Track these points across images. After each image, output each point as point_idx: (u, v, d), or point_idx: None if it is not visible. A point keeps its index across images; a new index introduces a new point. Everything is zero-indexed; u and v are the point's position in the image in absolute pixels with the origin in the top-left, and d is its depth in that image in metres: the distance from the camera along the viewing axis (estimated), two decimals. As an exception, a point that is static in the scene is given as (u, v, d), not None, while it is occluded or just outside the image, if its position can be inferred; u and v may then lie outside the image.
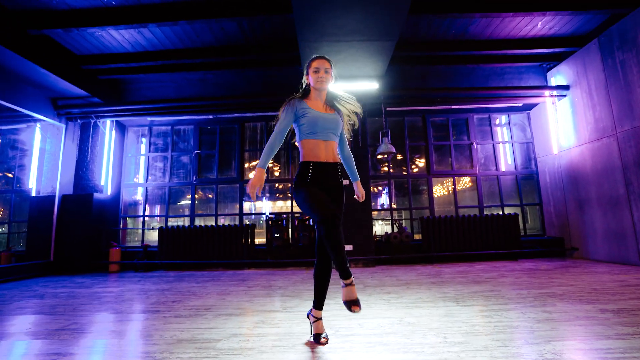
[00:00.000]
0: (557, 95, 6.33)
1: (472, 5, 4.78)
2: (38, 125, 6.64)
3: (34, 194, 6.49)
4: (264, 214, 6.95)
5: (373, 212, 6.70)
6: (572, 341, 1.95)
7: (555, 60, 6.43)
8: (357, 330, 2.31)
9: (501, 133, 7.47)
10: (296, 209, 6.88)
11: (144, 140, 7.59)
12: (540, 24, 5.47)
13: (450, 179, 7.20)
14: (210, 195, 7.33)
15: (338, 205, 2.15)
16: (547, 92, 6.35)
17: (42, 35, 5.13)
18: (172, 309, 3.14)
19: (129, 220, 7.31)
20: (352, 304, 1.76)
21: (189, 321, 2.67)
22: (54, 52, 5.42)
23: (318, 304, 2.14)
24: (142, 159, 7.45)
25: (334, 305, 3.06)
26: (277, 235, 6.19)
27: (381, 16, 4.17)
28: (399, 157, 7.20)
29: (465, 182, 7.64)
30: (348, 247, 5.84)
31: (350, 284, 1.80)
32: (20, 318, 2.95)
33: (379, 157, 6.11)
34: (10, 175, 7.27)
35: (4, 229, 7.21)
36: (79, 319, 2.88)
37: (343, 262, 1.80)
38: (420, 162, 7.43)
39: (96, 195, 6.43)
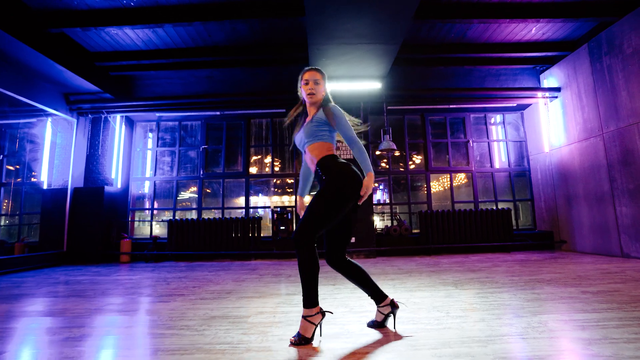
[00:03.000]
0: (549, 97, 6.67)
1: (471, 12, 5.07)
2: (49, 119, 6.83)
3: (45, 186, 6.71)
4: (269, 207, 7.23)
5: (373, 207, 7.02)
6: (555, 314, 2.27)
7: (548, 63, 6.77)
8: (368, 308, 2.61)
9: (496, 132, 7.82)
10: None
11: (150, 135, 7.82)
12: (534, 30, 5.79)
13: (447, 176, 7.54)
14: (208, 190, 7.59)
15: (316, 205, 1.87)
16: (539, 94, 6.69)
17: (60, 33, 5.33)
18: (194, 293, 3.42)
19: (137, 212, 7.55)
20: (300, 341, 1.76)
21: (216, 302, 2.96)
22: (70, 49, 5.62)
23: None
24: (149, 154, 7.68)
25: (343, 289, 3.37)
26: (282, 227, 6.49)
27: (387, 22, 4.45)
28: (397, 153, 7.52)
29: (460, 178, 7.99)
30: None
31: (307, 318, 1.79)
32: (56, 300, 3.22)
33: (379, 153, 6.41)
34: (10, 167, 7.47)
35: (14, 220, 7.42)
36: (112, 300, 3.16)
37: (304, 287, 1.80)
38: (417, 159, 7.75)
39: (107, 188, 6.66)
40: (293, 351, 1.73)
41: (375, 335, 1.98)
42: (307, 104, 2.17)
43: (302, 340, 1.78)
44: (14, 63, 5.38)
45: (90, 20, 4.96)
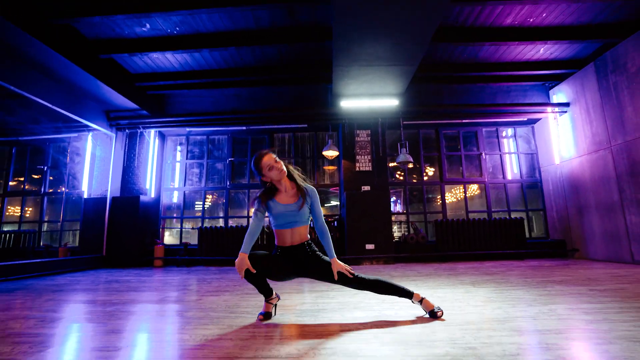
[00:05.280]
0: (559, 112, 7.02)
1: (483, 36, 5.52)
2: (90, 134, 7.44)
3: (86, 196, 7.26)
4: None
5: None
6: (564, 304, 2.62)
7: (556, 79, 7.15)
8: (395, 299, 2.98)
9: (507, 144, 8.16)
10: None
11: (178, 148, 8.36)
12: (542, 50, 6.20)
13: (459, 188, 7.89)
14: (222, 200, 8.05)
15: (314, 272, 2.34)
16: (549, 109, 7.05)
17: (109, 59, 5.94)
18: (237, 290, 3.83)
19: (168, 220, 8.04)
20: None
21: (260, 297, 3.36)
22: (115, 71, 6.23)
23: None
24: (178, 165, 8.22)
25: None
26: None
27: (406, 45, 4.92)
28: (410, 165, 7.89)
29: (473, 189, 8.33)
30: (370, 246, 6.52)
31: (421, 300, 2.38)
32: (120, 293, 3.66)
33: (393, 164, 6.81)
34: (52, 177, 8.07)
35: (56, 226, 7.98)
36: (169, 294, 3.59)
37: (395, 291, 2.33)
38: (430, 171, 8.13)
39: (142, 197, 7.17)
40: (350, 323, 2.12)
41: (409, 317, 2.35)
42: (276, 182, 2.38)
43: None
44: (67, 84, 5.99)
45: (138, 47, 5.55)
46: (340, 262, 2.32)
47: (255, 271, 2.25)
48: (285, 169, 2.37)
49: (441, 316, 2.31)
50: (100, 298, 3.37)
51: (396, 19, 4.33)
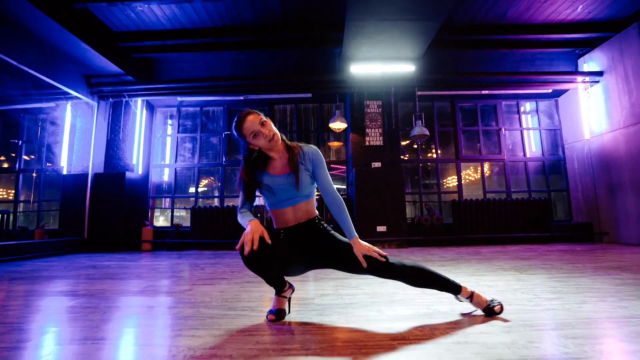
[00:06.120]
0: (590, 81, 6.34)
1: (519, -14, 4.78)
2: (69, 103, 6.64)
3: (65, 172, 6.52)
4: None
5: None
6: (667, 298, 2.01)
7: (588, 46, 6.43)
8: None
9: (526, 120, 7.49)
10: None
11: (169, 121, 7.60)
12: (580, 7, 5.47)
13: (474, 166, 7.25)
14: (217, 183, 7.36)
15: (331, 259, 1.72)
16: (579, 78, 6.37)
17: (84, 9, 5.11)
18: (236, 277, 3.18)
19: (157, 200, 7.35)
20: None
21: (265, 285, 2.71)
22: (94, 27, 5.41)
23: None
24: (169, 140, 7.48)
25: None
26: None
27: (434, -7, 4.18)
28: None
29: (486, 168, 7.68)
30: (382, 228, 5.89)
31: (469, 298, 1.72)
32: (93, 281, 3.00)
33: (404, 143, 6.14)
34: (26, 157, 7.30)
35: (33, 207, 7.25)
36: (153, 283, 2.94)
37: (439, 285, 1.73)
38: (442, 149, 7.45)
39: (128, 174, 6.44)
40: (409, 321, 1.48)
41: (468, 313, 1.72)
42: (266, 150, 1.73)
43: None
44: (38, 39, 5.19)
45: (117, -7, 4.73)
46: (364, 243, 1.64)
47: (270, 242, 1.52)
48: (277, 132, 1.70)
49: (500, 312, 1.70)
50: (62, 288, 2.70)
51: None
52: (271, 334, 1.51)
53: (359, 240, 1.65)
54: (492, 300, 1.73)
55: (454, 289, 1.69)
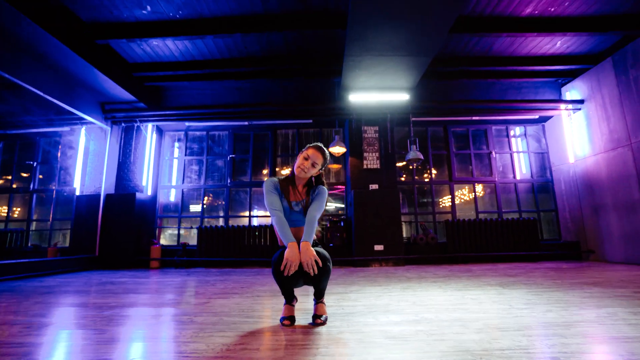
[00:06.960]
0: (572, 109, 6.81)
1: (501, 26, 5.28)
2: (84, 127, 7.05)
3: (78, 192, 6.86)
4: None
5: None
6: (620, 308, 2.34)
7: (569, 76, 6.94)
8: (426, 301, 2.68)
9: (516, 144, 7.93)
10: (328, 209, 7.27)
11: (176, 144, 8.00)
12: (559, 43, 5.98)
13: (467, 187, 7.64)
14: (221, 202, 7.71)
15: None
16: (562, 106, 6.84)
17: (105, 45, 5.58)
18: (247, 292, 3.50)
19: (164, 219, 7.67)
20: None
21: (275, 299, 3.03)
22: (111, 59, 5.87)
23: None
24: (176, 162, 7.85)
25: (412, 289, 3.44)
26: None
27: (424, 35, 4.65)
28: (420, 159, 7.57)
29: (479, 190, 8.06)
30: (379, 247, 6.22)
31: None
32: (117, 295, 3.31)
33: (400, 164, 6.53)
34: (40, 175, 7.65)
35: (45, 225, 7.56)
36: (171, 296, 3.25)
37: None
38: (435, 171, 7.86)
39: (138, 195, 6.79)
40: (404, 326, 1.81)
41: (451, 320, 2.05)
42: (295, 175, 2.22)
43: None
44: (60, 71, 5.64)
45: (137, 32, 5.21)
46: (312, 250, 1.95)
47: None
48: (307, 177, 2.21)
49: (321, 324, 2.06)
50: (94, 301, 3.02)
51: (417, 4, 4.06)
52: (286, 334, 1.84)
53: (310, 245, 1.97)
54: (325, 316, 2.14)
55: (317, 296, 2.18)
